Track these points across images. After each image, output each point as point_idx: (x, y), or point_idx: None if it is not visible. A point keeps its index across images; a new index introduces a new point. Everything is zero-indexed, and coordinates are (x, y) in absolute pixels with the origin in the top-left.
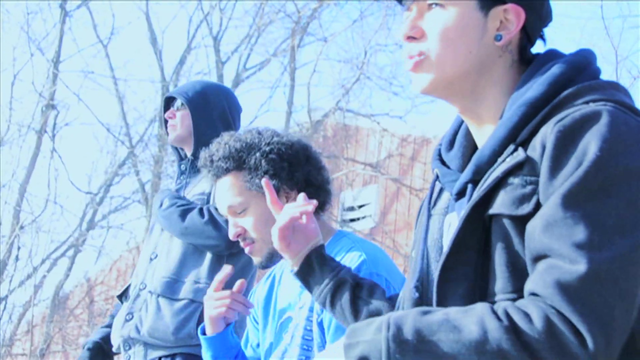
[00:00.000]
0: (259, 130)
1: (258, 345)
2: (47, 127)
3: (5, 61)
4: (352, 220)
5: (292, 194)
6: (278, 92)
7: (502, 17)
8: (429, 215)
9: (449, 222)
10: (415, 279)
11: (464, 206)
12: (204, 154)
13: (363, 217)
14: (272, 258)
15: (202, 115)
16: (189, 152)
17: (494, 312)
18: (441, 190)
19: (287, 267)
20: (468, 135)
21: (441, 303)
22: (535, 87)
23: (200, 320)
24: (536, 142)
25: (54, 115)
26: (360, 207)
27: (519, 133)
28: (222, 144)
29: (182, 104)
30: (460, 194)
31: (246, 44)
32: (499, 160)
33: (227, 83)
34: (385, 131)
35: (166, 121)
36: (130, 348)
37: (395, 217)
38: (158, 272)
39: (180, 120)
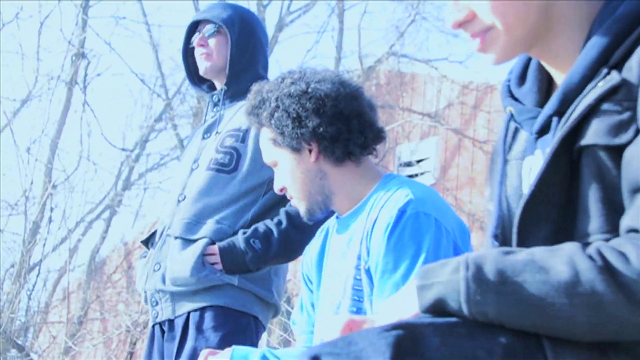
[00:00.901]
0: (283, 77)
1: (313, 306)
2: (77, 78)
3: (30, 7)
4: (410, 176)
5: (313, 147)
6: (325, 37)
7: None
8: (505, 161)
9: (529, 166)
10: (494, 227)
11: (549, 143)
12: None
13: (422, 173)
14: (311, 213)
15: (239, 42)
16: (220, 83)
17: (586, 252)
18: (515, 133)
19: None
20: (541, 68)
21: (522, 246)
22: (629, 1)
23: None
24: (632, 62)
25: (85, 65)
26: (418, 161)
27: (612, 54)
28: (250, 96)
29: (216, 30)
30: (543, 131)
31: None
32: (588, 87)
33: (270, 28)
34: (444, 78)
35: (188, 52)
36: (157, 304)
37: (457, 172)
38: (181, 214)
39: (216, 47)
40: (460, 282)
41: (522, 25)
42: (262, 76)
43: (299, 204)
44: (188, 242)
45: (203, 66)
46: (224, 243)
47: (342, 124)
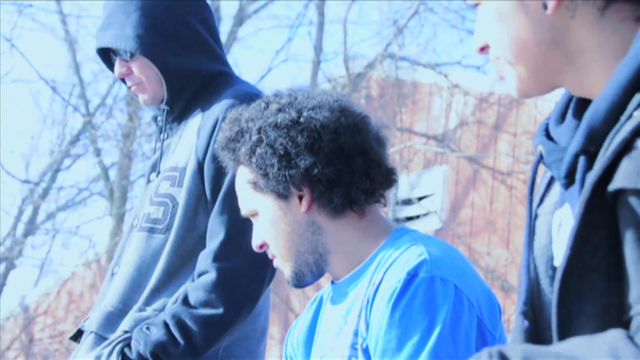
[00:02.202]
0: (267, 101)
1: None
2: None
3: None
4: (409, 218)
5: (305, 194)
6: (301, 34)
7: None
8: (534, 216)
9: (559, 221)
10: (522, 302)
11: (576, 192)
12: (219, 140)
13: (425, 214)
14: (300, 277)
15: (162, 48)
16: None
17: (630, 338)
18: (551, 181)
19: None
20: (585, 101)
21: (565, 331)
22: None
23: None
24: None
25: None
26: (420, 199)
27: None
28: (224, 125)
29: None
30: (571, 177)
31: None
32: (622, 118)
33: (227, 20)
34: (456, 88)
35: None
36: None
37: (471, 213)
38: (108, 297)
39: (143, 73)
40: None
41: (524, 62)
42: (218, 73)
43: (283, 264)
44: (103, 340)
45: (141, 99)
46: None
47: (342, 164)
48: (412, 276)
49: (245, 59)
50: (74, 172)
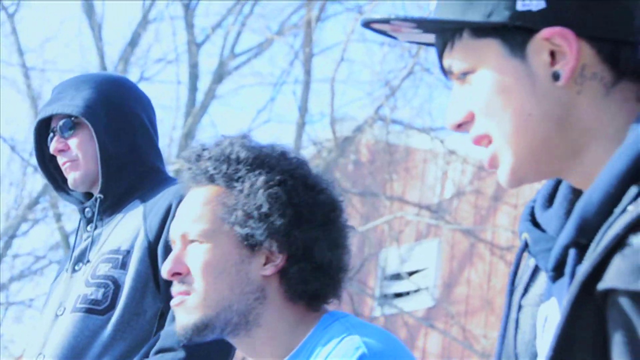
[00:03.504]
0: (285, 150)
1: None
2: None
3: None
4: (398, 295)
5: (276, 259)
6: (285, 92)
7: (549, 47)
8: (518, 307)
9: (544, 315)
10: None
11: (565, 286)
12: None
13: (415, 291)
14: (203, 330)
15: (109, 129)
16: (96, 190)
17: None
18: (536, 271)
19: None
20: (576, 188)
21: None
22: None
23: None
24: None
25: None
26: (411, 274)
27: None
28: (224, 142)
29: (72, 125)
30: (559, 269)
31: (235, 15)
32: (616, 211)
33: (206, 76)
34: (453, 155)
35: (45, 163)
36: None
37: (467, 291)
38: None
39: (80, 148)
40: None
41: (524, 143)
42: (157, 169)
43: (194, 308)
44: None
45: (71, 178)
46: None
47: (342, 254)
48: None
49: (224, 118)
50: (31, 238)
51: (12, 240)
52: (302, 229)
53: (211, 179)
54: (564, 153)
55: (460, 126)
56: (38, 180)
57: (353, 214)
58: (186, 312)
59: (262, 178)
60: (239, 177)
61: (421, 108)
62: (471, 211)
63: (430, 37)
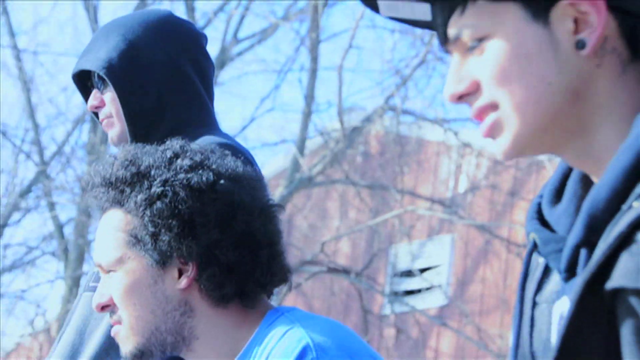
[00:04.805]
0: (175, 152)
1: None
2: None
3: None
4: (409, 292)
5: (187, 270)
6: (290, 80)
7: (573, 14)
8: (532, 304)
9: (560, 312)
10: None
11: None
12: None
13: (427, 289)
14: (141, 356)
15: (133, 83)
16: None
17: None
18: (550, 268)
19: None
20: (585, 179)
21: None
22: None
23: None
24: None
25: None
26: (423, 271)
27: None
28: (108, 163)
29: (102, 80)
30: (572, 269)
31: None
32: (623, 207)
33: None
34: (467, 148)
35: (96, 114)
36: None
37: (481, 289)
38: None
39: (114, 104)
40: None
41: (535, 112)
42: (197, 123)
43: (127, 337)
44: None
45: (109, 137)
46: None
47: (248, 252)
48: None
49: (226, 107)
50: (24, 228)
51: (4, 230)
52: (197, 235)
53: (108, 205)
54: (573, 128)
55: (461, 97)
56: (30, 168)
57: (362, 207)
58: (122, 342)
59: (140, 196)
60: (125, 199)
61: (434, 98)
62: (486, 207)
63: (422, 10)
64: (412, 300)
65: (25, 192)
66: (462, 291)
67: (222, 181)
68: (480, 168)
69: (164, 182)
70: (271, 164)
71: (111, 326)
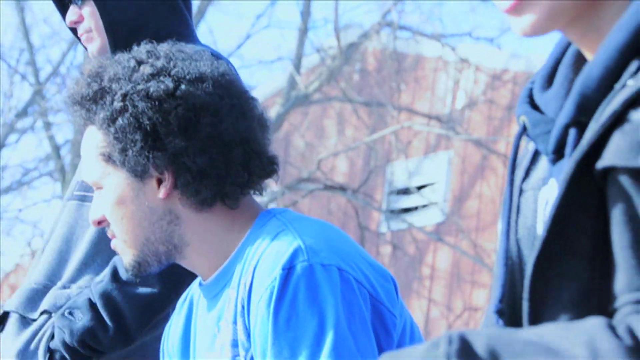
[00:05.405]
0: (138, 59)
1: None
2: None
3: None
4: (406, 210)
5: (165, 179)
6: None
7: None
8: (519, 192)
9: (545, 198)
10: (497, 298)
11: (564, 167)
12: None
13: (424, 206)
14: (140, 267)
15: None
16: None
17: (612, 328)
18: (537, 153)
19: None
20: (576, 63)
21: (537, 316)
22: None
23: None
24: None
25: None
26: (420, 188)
27: None
28: (80, 78)
29: None
30: (560, 151)
31: None
32: (617, 86)
33: None
34: (465, 63)
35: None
36: None
37: (478, 205)
38: (35, 273)
39: (93, 17)
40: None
41: None
42: (177, 36)
43: (123, 250)
44: (26, 323)
45: (89, 52)
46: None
47: (218, 154)
48: (288, 270)
49: (220, 25)
50: (21, 149)
51: (0, 152)
52: (163, 145)
53: (82, 123)
54: (587, 5)
55: None
56: (26, 89)
57: (359, 124)
58: (121, 254)
59: (102, 114)
60: (93, 116)
61: (431, 13)
62: (484, 122)
63: None
64: (409, 217)
65: (21, 113)
66: (458, 208)
67: (182, 86)
68: (478, 84)
69: (124, 97)
70: (268, 83)
71: (97, 233)
